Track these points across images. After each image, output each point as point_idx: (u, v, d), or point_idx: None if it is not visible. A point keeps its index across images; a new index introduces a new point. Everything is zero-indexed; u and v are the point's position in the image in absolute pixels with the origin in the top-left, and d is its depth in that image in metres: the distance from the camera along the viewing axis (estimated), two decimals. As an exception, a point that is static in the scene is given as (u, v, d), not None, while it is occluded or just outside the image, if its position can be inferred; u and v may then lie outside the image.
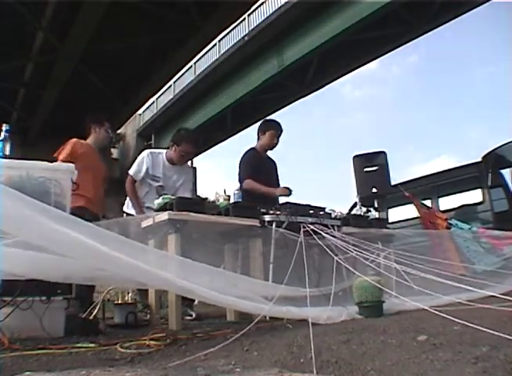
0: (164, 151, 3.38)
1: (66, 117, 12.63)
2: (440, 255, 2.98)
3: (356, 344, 1.43)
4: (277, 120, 3.75)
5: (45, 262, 1.66)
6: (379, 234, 3.45)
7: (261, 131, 3.64)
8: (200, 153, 3.65)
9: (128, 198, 3.45)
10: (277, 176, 3.79)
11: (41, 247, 1.60)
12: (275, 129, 3.63)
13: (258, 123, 3.84)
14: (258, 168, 3.49)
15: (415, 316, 2.05)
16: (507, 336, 1.25)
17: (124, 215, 3.41)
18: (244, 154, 3.61)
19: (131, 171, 3.29)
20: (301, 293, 2.27)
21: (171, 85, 16.38)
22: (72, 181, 2.23)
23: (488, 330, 1.34)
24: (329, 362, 1.23)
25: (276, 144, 3.66)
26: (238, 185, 3.49)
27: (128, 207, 3.39)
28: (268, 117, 3.97)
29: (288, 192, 3.39)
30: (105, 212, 3.38)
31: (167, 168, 3.33)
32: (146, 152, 3.38)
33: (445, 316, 1.59)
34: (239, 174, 3.51)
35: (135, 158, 3.48)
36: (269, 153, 3.76)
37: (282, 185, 3.66)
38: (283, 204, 3.05)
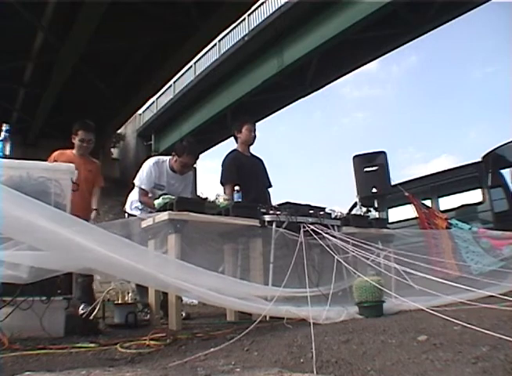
0: (168, 159, 3.36)
1: (66, 117, 12.65)
2: (435, 256, 2.97)
3: (356, 344, 1.43)
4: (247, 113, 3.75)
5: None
6: (379, 234, 3.45)
7: (237, 130, 3.61)
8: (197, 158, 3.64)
9: (129, 199, 3.45)
10: (266, 173, 3.77)
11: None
12: (248, 122, 3.62)
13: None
14: (240, 169, 3.45)
15: (415, 316, 2.05)
16: (505, 337, 1.25)
17: (126, 215, 3.41)
18: (225, 158, 3.58)
19: (143, 185, 3.24)
20: (301, 294, 2.27)
21: (171, 85, 16.40)
22: (72, 181, 2.23)
23: (487, 332, 1.34)
24: (329, 362, 1.23)
25: (255, 137, 3.63)
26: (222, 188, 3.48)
27: (131, 207, 3.39)
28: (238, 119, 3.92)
29: None
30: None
31: (170, 175, 3.31)
32: (151, 161, 3.33)
33: (445, 317, 1.60)
34: (221, 178, 3.49)
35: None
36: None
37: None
38: (282, 204, 3.05)
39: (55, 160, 3.20)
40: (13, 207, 1.53)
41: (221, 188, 3.50)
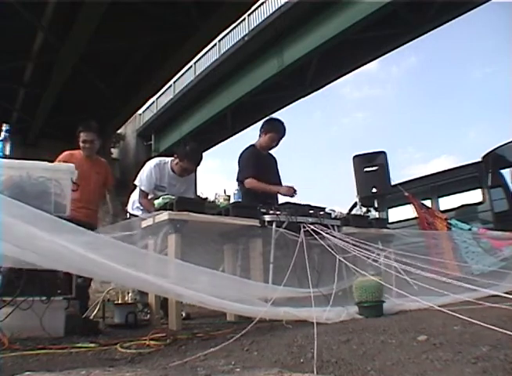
0: (169, 160, 3.36)
1: (66, 117, 12.66)
2: (435, 257, 2.97)
3: (356, 344, 1.43)
4: (283, 122, 3.63)
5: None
6: (379, 234, 3.45)
7: (263, 130, 3.58)
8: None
9: (131, 199, 3.46)
10: (278, 172, 3.76)
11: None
12: (277, 133, 3.56)
13: (261, 121, 3.77)
14: (257, 165, 3.45)
15: (415, 316, 2.05)
16: (508, 332, 1.25)
17: (128, 215, 3.41)
18: (243, 152, 3.57)
19: (143, 187, 3.25)
20: (301, 294, 2.26)
21: (171, 85, 16.38)
22: (72, 181, 2.23)
23: (490, 327, 1.34)
24: (329, 362, 1.23)
25: (275, 146, 3.62)
26: (236, 184, 3.47)
27: (133, 207, 3.40)
28: (274, 116, 3.82)
29: (292, 191, 3.34)
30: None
31: (171, 177, 3.31)
32: (152, 163, 3.33)
33: (449, 312, 1.59)
34: (239, 173, 3.47)
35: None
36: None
37: (283, 181, 3.65)
38: (282, 204, 3.05)
39: (62, 160, 3.18)
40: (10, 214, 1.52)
41: (222, 188, 3.49)
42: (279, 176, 3.75)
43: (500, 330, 1.30)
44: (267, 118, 3.74)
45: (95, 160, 3.47)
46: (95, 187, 3.34)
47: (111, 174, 3.59)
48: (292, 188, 3.36)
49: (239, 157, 3.56)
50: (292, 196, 3.33)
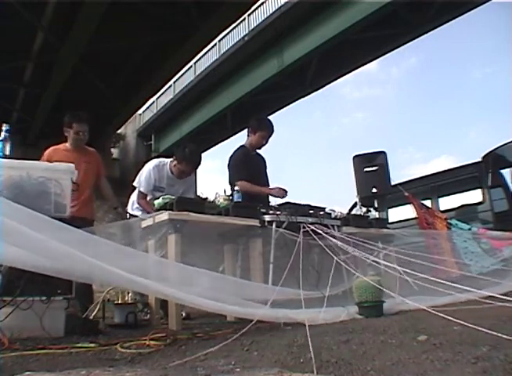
0: (168, 161, 3.35)
1: (66, 117, 12.65)
2: (434, 256, 2.97)
3: (356, 344, 1.43)
4: (270, 119, 3.66)
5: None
6: (379, 234, 3.45)
7: (252, 129, 3.56)
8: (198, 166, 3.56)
9: (131, 199, 3.45)
10: (266, 172, 3.75)
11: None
12: (266, 131, 3.54)
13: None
14: (248, 166, 3.44)
15: (415, 316, 2.05)
16: (505, 336, 1.25)
17: (128, 215, 3.41)
18: (233, 154, 3.55)
19: (142, 188, 3.25)
20: (300, 296, 2.26)
21: (171, 85, 16.39)
22: (72, 181, 2.23)
23: (487, 331, 1.34)
24: (329, 362, 1.23)
25: (265, 144, 3.61)
26: (229, 186, 3.45)
27: (132, 208, 3.40)
28: (261, 116, 3.83)
29: (283, 193, 3.34)
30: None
31: (170, 178, 3.31)
32: (151, 164, 3.33)
33: (447, 317, 1.59)
34: (230, 175, 3.45)
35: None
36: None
37: (271, 181, 3.65)
38: (282, 204, 3.05)
39: (49, 159, 3.08)
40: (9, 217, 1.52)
41: (222, 188, 3.47)
42: (266, 177, 3.73)
43: (495, 333, 1.30)
44: (254, 118, 3.71)
45: (83, 150, 3.33)
46: (87, 178, 3.20)
47: (101, 163, 3.47)
48: (283, 189, 3.37)
49: (230, 159, 3.53)
50: (283, 197, 3.34)
